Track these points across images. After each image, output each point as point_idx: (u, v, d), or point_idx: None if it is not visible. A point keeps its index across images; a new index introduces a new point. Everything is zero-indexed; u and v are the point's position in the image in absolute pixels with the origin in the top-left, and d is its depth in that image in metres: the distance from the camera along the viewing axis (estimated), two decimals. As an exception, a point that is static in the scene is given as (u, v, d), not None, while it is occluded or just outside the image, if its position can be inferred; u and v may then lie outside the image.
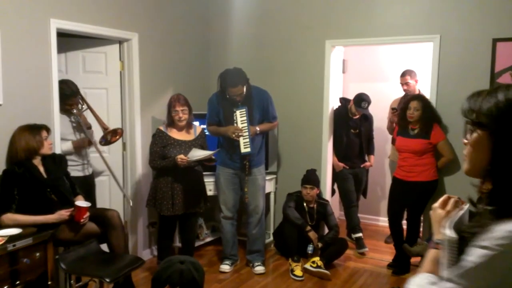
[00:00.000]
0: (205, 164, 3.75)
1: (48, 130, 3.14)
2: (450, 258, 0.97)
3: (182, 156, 3.53)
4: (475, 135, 0.99)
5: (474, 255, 0.88)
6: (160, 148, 3.64)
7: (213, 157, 3.64)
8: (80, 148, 3.60)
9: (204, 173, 4.14)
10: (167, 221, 3.76)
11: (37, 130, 3.06)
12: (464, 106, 1.02)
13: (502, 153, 0.93)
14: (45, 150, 3.08)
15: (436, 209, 1.16)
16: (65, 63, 3.88)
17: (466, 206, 1.10)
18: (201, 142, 3.79)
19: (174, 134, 3.70)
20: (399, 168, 3.95)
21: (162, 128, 3.72)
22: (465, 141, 1.04)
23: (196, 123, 3.95)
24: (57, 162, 3.20)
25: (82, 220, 3.04)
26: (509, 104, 0.93)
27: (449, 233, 1.01)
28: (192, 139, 3.74)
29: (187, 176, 3.67)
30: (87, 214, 3.08)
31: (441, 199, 1.17)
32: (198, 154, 3.58)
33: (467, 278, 0.88)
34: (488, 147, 0.95)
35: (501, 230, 0.87)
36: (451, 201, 1.13)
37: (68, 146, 3.51)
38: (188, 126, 3.76)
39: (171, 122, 3.70)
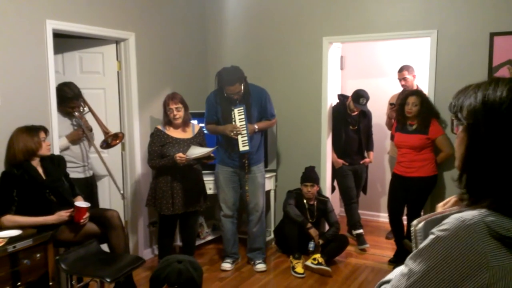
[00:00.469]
0: (204, 162, 3.75)
1: (46, 131, 3.14)
2: (416, 247, 1.02)
3: (180, 154, 3.53)
4: (460, 128, 1.02)
5: (424, 241, 0.94)
6: (159, 147, 3.64)
7: (212, 154, 3.63)
8: (76, 140, 3.59)
9: (203, 171, 4.15)
10: (167, 221, 3.76)
11: (35, 131, 3.06)
12: (451, 100, 1.05)
13: (474, 147, 0.96)
14: (44, 151, 3.08)
15: (438, 208, 1.19)
16: (62, 64, 3.88)
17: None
18: (199, 140, 3.79)
19: (172, 132, 3.70)
20: (398, 164, 3.95)
21: (160, 127, 3.73)
22: (454, 134, 1.08)
23: (195, 122, 3.95)
24: (55, 163, 3.20)
25: (82, 221, 3.05)
26: (485, 102, 0.95)
27: (416, 224, 1.06)
28: (190, 137, 3.74)
29: (187, 175, 3.68)
30: (87, 214, 3.08)
31: (446, 199, 1.19)
32: (196, 151, 3.58)
33: (413, 260, 0.93)
34: (466, 141, 0.98)
35: (451, 218, 0.91)
36: (452, 200, 1.14)
37: (63, 141, 3.51)
38: (186, 124, 3.76)
39: (168, 121, 3.70)
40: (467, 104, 0.98)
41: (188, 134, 3.75)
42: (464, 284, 0.86)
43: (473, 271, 0.85)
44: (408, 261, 0.95)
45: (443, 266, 0.88)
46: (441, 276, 0.88)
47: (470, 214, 0.90)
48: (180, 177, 3.65)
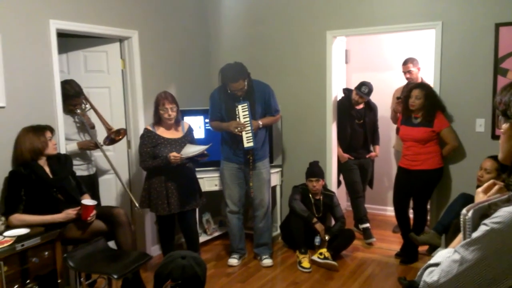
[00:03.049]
0: (197, 160, 3.69)
1: (52, 130, 3.18)
2: (464, 235, 1.08)
3: (175, 153, 3.47)
4: (506, 125, 1.06)
5: (477, 231, 0.99)
6: (151, 148, 3.55)
7: (205, 152, 3.58)
8: (85, 149, 3.62)
9: (208, 168, 4.15)
10: (165, 221, 3.70)
11: (41, 131, 3.10)
12: (496, 97, 1.09)
13: None
14: (50, 150, 3.11)
15: (479, 193, 1.23)
16: (66, 63, 3.91)
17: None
18: (190, 138, 3.73)
19: (163, 132, 3.62)
20: (404, 157, 3.94)
21: (149, 127, 3.63)
22: (500, 130, 1.10)
23: (191, 118, 3.88)
24: (62, 162, 3.24)
25: (89, 219, 3.08)
26: None
27: (466, 213, 1.10)
28: (181, 136, 3.67)
29: (181, 174, 3.61)
30: (94, 212, 3.12)
31: (486, 184, 1.22)
32: (191, 150, 3.54)
33: (466, 248, 0.99)
34: None
35: (503, 211, 0.96)
36: (495, 188, 1.18)
37: (73, 147, 3.54)
38: (176, 124, 3.69)
39: (159, 121, 3.63)
40: None
41: (178, 133, 3.68)
42: None
43: None
44: (460, 248, 1.01)
45: (497, 257, 0.94)
46: (493, 265, 0.94)
47: None
48: (174, 176, 3.58)
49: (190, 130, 3.79)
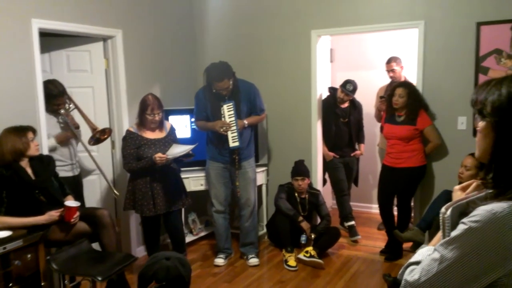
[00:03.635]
0: (181, 160, 3.68)
1: (34, 131, 3.13)
2: (444, 233, 1.10)
3: (160, 154, 3.45)
4: (482, 123, 1.07)
5: (456, 229, 1.01)
6: (134, 150, 3.53)
7: (191, 152, 3.56)
8: (64, 141, 3.57)
9: (194, 168, 4.13)
10: (150, 222, 3.68)
11: (23, 131, 3.04)
12: (472, 96, 1.10)
13: (502, 143, 1.01)
14: (32, 151, 3.07)
15: (457, 191, 1.24)
16: (49, 63, 3.86)
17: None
18: (172, 137, 3.72)
19: (146, 134, 3.60)
20: (388, 155, 3.98)
21: (132, 129, 3.61)
22: (477, 128, 1.12)
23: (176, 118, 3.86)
24: (45, 163, 3.19)
25: (72, 220, 3.04)
26: (510, 98, 1.00)
27: (444, 212, 1.11)
28: (164, 136, 3.66)
29: (166, 175, 3.60)
30: (77, 214, 3.08)
31: (465, 183, 1.24)
32: (177, 151, 3.53)
33: (445, 247, 1.01)
34: (492, 136, 1.03)
35: (481, 209, 0.98)
36: (473, 185, 1.20)
37: (51, 142, 3.49)
38: (161, 125, 3.68)
39: (143, 123, 3.60)
40: (491, 101, 1.02)
41: (162, 133, 3.67)
42: (494, 270, 0.95)
43: (503, 259, 0.94)
44: (439, 247, 1.02)
45: (475, 255, 0.96)
46: (471, 264, 0.96)
47: (500, 207, 0.96)
48: (159, 177, 3.56)
49: (172, 129, 3.77)
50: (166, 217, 3.73)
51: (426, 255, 1.08)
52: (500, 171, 1.02)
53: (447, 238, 1.02)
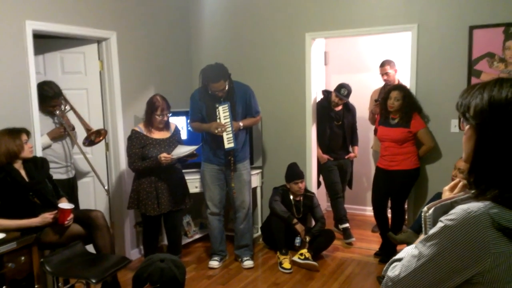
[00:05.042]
0: (185, 160, 3.72)
1: (28, 133, 3.12)
2: (425, 231, 1.13)
3: (165, 154, 3.50)
4: (467, 126, 1.09)
5: (434, 227, 1.04)
6: (139, 149, 3.57)
7: (195, 152, 3.61)
8: (57, 137, 3.56)
9: (189, 170, 4.13)
10: (152, 221, 3.71)
11: (16, 134, 3.03)
12: (458, 100, 1.12)
13: (482, 145, 1.04)
14: (26, 153, 3.06)
15: (445, 191, 1.26)
16: (43, 65, 3.84)
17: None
18: (177, 137, 3.78)
19: (152, 133, 3.64)
20: (381, 157, 4.00)
21: (137, 129, 3.65)
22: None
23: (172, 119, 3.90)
24: (38, 165, 3.18)
25: (66, 222, 3.03)
26: (491, 103, 1.02)
27: (426, 211, 1.14)
28: (168, 136, 3.71)
29: (171, 174, 3.66)
30: (71, 216, 3.07)
31: (452, 182, 1.26)
32: (182, 150, 3.57)
33: (423, 244, 1.04)
34: (474, 138, 1.06)
35: (458, 208, 1.00)
36: (460, 185, 1.22)
37: (44, 139, 3.48)
38: (167, 125, 3.73)
39: (152, 123, 3.65)
40: (474, 105, 1.05)
41: (167, 133, 3.72)
42: (468, 267, 0.97)
43: (476, 257, 0.96)
44: (419, 244, 1.05)
45: (450, 252, 0.98)
46: (447, 260, 0.98)
47: (475, 206, 0.98)
48: (164, 176, 3.62)
49: (177, 130, 3.82)
50: (167, 217, 3.75)
51: (409, 252, 1.11)
52: (481, 172, 1.04)
53: (425, 236, 1.06)
